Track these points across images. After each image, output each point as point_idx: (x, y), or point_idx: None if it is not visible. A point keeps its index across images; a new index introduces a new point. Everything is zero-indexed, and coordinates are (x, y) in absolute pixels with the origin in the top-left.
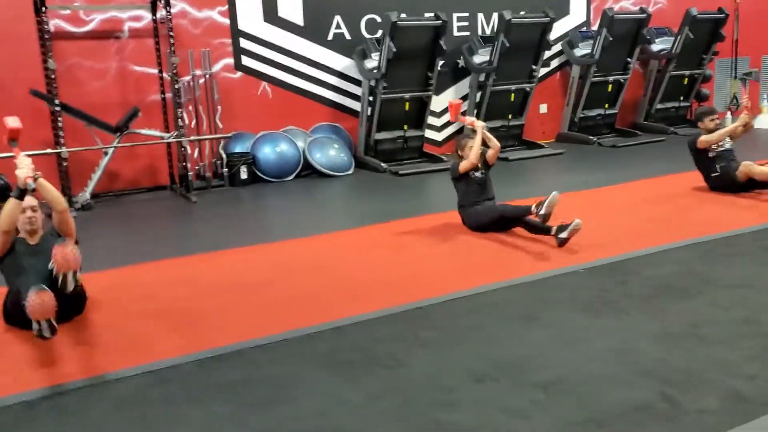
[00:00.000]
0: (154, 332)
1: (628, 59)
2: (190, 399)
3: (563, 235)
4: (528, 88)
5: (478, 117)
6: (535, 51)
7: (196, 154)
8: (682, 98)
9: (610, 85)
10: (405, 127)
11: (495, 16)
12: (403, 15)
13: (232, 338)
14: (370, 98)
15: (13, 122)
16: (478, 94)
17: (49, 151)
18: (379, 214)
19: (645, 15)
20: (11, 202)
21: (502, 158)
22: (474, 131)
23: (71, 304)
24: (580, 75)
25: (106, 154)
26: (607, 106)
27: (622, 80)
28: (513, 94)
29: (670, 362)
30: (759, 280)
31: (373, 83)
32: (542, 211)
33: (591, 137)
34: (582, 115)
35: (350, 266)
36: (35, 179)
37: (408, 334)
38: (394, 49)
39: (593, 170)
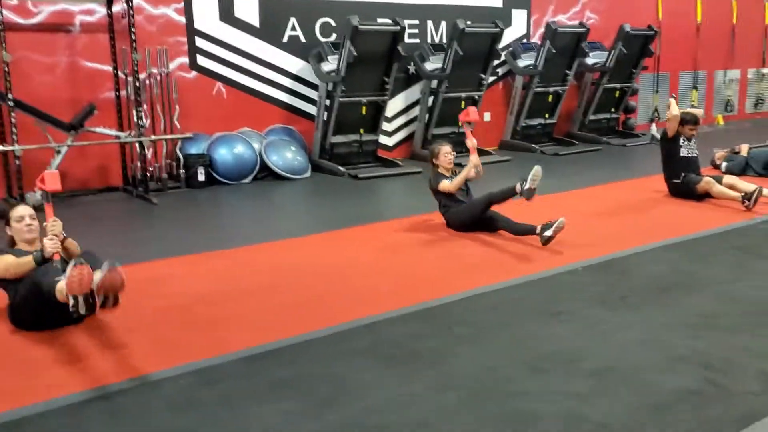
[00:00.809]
0: (176, 334)
1: (567, 71)
2: (252, 398)
3: (548, 233)
4: (477, 96)
5: (429, 124)
6: (485, 60)
7: (149, 155)
8: (613, 110)
9: (550, 96)
10: (361, 131)
11: (444, 24)
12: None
13: (257, 340)
14: (327, 101)
15: (52, 182)
16: (430, 100)
17: (1, 148)
18: (352, 216)
19: (584, 29)
20: (29, 264)
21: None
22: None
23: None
24: (523, 85)
25: (58, 152)
26: (547, 115)
27: (560, 91)
28: (463, 102)
29: (702, 350)
30: (746, 275)
31: (330, 86)
32: (527, 186)
33: (533, 145)
34: (524, 124)
35: (350, 268)
36: (62, 242)
37: (441, 330)
38: (355, 53)
39: (545, 177)
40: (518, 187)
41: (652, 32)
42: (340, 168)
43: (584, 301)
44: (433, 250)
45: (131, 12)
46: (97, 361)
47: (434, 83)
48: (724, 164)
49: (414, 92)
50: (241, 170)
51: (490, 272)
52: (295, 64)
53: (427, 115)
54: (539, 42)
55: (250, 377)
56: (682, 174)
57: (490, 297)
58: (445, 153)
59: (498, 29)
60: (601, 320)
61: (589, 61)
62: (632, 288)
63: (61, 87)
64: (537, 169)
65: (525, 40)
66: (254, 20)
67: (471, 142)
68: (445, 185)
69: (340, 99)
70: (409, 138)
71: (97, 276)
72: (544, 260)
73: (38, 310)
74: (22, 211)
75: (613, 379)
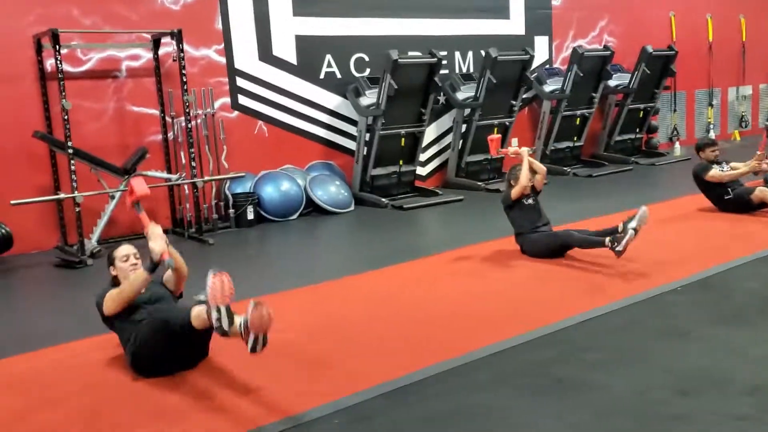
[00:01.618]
0: (302, 370)
1: (593, 94)
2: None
3: (619, 248)
4: (508, 123)
5: (463, 152)
6: (515, 87)
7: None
8: (637, 130)
9: (578, 119)
10: (401, 162)
11: (470, 54)
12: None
13: (388, 373)
14: (367, 135)
15: (140, 187)
16: (463, 128)
17: (63, 196)
18: (418, 246)
19: (609, 52)
20: (142, 277)
21: (494, 190)
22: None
23: (199, 348)
24: (551, 110)
25: (112, 198)
26: (575, 138)
27: (587, 114)
28: (496, 129)
29: None
30: None
31: (370, 120)
32: (619, 248)
33: (565, 168)
34: (552, 148)
35: (446, 297)
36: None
37: (570, 356)
38: (396, 86)
39: (589, 198)
40: (608, 243)
41: (673, 52)
42: (383, 200)
43: (702, 319)
44: (519, 274)
45: (182, 54)
46: (238, 403)
47: (467, 111)
48: None
49: (444, 122)
50: (288, 207)
51: (590, 295)
52: (332, 99)
53: (460, 143)
54: (561, 66)
55: (399, 413)
56: (730, 189)
57: (604, 320)
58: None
59: (528, 56)
60: (729, 338)
61: (612, 83)
62: (740, 305)
63: (109, 132)
64: (631, 234)
65: (548, 66)
66: (292, 58)
67: (511, 149)
68: (515, 190)
69: (381, 132)
70: (442, 167)
71: (240, 319)
72: (637, 281)
73: (164, 352)
74: (126, 250)
75: None
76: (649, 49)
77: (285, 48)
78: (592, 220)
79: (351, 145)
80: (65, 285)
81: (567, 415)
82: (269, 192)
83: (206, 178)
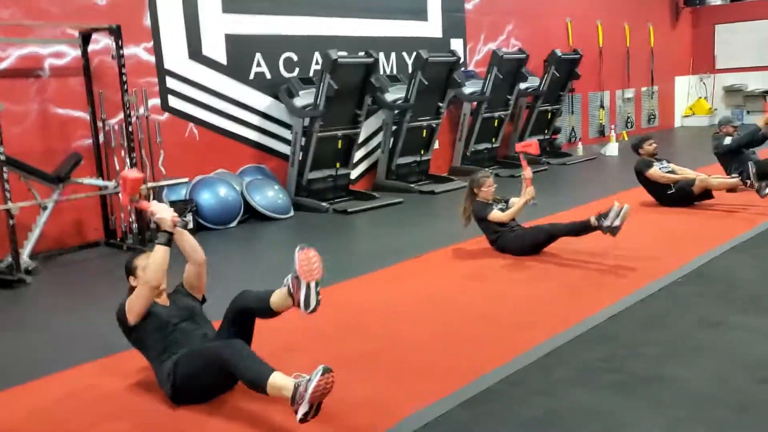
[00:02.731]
0: (350, 382)
1: (509, 96)
2: None
3: (608, 222)
4: (434, 125)
5: (393, 154)
6: (443, 89)
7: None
8: (545, 131)
9: (496, 121)
10: (337, 165)
11: (393, 56)
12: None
13: (451, 383)
14: (303, 137)
15: (132, 174)
16: (393, 130)
17: None
18: (389, 251)
19: (525, 56)
20: (160, 251)
21: (428, 192)
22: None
23: None
24: (471, 112)
25: (45, 208)
26: (493, 140)
27: (504, 116)
28: (424, 131)
29: None
30: None
31: (306, 121)
32: (607, 223)
33: (485, 169)
34: (473, 149)
35: (454, 303)
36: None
37: (628, 352)
38: (335, 86)
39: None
40: (593, 221)
41: (578, 56)
42: (324, 204)
43: (723, 309)
44: (518, 274)
45: (121, 52)
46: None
47: (395, 113)
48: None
49: (371, 124)
50: (226, 214)
51: (597, 291)
52: (262, 101)
53: (389, 146)
54: (475, 69)
55: (488, 422)
56: (672, 184)
57: (630, 314)
58: (489, 185)
59: (456, 58)
60: (763, 326)
61: (524, 85)
62: (748, 294)
63: (32, 137)
64: (627, 209)
65: (464, 68)
66: (222, 58)
67: (528, 173)
68: (497, 216)
69: (318, 134)
70: (370, 169)
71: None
72: (632, 275)
73: (217, 381)
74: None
75: None
76: (558, 52)
77: (215, 47)
78: (546, 218)
79: (282, 148)
80: (8, 308)
81: (663, 409)
82: (207, 198)
83: (150, 184)
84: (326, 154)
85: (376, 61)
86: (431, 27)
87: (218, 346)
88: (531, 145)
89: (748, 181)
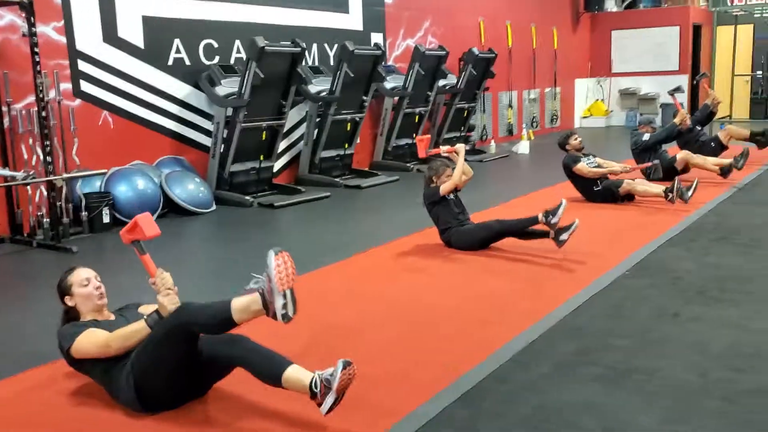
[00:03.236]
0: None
1: (429, 93)
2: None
3: (564, 237)
4: (358, 118)
5: (317, 147)
6: (367, 82)
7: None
8: (462, 128)
9: (417, 116)
10: (261, 157)
11: (315, 47)
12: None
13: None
14: (226, 128)
15: (150, 226)
16: (317, 123)
17: None
18: (327, 248)
19: (445, 52)
20: (141, 330)
21: (354, 186)
22: (448, 158)
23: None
24: (393, 107)
25: None
26: (414, 135)
27: (424, 112)
28: (349, 124)
29: None
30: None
31: (229, 111)
32: (554, 220)
33: (407, 164)
34: (394, 144)
35: (412, 298)
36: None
37: (600, 344)
38: (262, 75)
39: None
40: (542, 218)
41: (493, 55)
42: (247, 198)
43: (676, 300)
44: (469, 269)
45: (34, 30)
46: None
47: (321, 106)
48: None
49: (292, 115)
50: (145, 208)
51: (553, 285)
52: (181, 88)
53: (313, 139)
54: (394, 64)
55: (482, 420)
56: (599, 181)
57: (590, 307)
58: (448, 174)
59: (380, 52)
60: (720, 316)
61: (442, 82)
62: (696, 285)
63: None
64: (564, 204)
65: (383, 63)
66: (139, 41)
67: (444, 147)
68: (446, 186)
69: (243, 124)
70: (291, 162)
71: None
72: (580, 269)
73: (182, 378)
74: (85, 273)
75: None
76: (476, 51)
77: (131, 29)
78: (483, 213)
79: (202, 139)
80: None
81: (652, 400)
82: (123, 191)
83: (65, 175)
84: (250, 145)
85: (303, 50)
86: (352, 20)
87: (222, 339)
88: (422, 141)
89: (671, 194)
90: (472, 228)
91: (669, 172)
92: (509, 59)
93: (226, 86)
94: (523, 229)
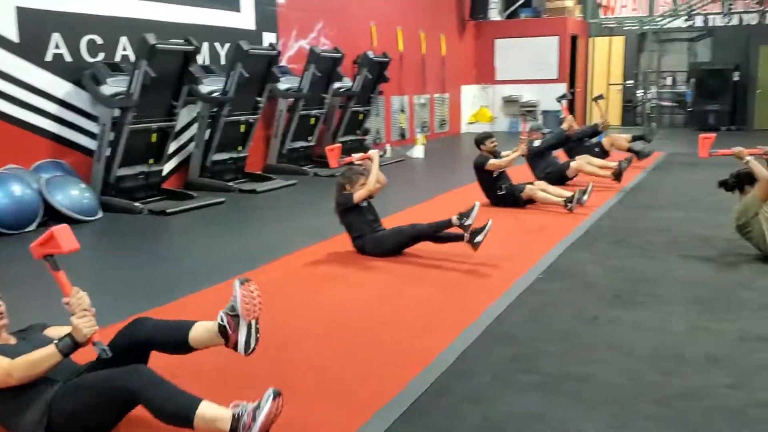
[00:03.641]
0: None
1: (324, 95)
2: None
3: (479, 238)
4: (252, 120)
5: (208, 150)
6: (261, 83)
7: None
8: (357, 132)
9: (313, 119)
10: (150, 161)
11: (206, 46)
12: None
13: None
14: (113, 129)
15: (67, 239)
16: (208, 124)
17: None
18: (227, 259)
19: (340, 55)
20: (51, 356)
21: (249, 191)
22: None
23: None
24: (288, 109)
25: None
26: (309, 138)
27: (319, 114)
28: (242, 126)
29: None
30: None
31: (116, 112)
32: (468, 222)
33: (303, 168)
34: (289, 147)
35: (333, 309)
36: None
37: (530, 350)
38: (153, 74)
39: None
40: (456, 221)
41: (388, 59)
42: (136, 204)
43: (592, 303)
44: (386, 278)
45: None
46: None
47: (214, 107)
48: None
49: (182, 117)
50: (23, 216)
51: (472, 290)
52: (61, 87)
53: (204, 141)
54: (287, 65)
55: None
56: (503, 185)
57: (512, 312)
58: (362, 183)
59: (276, 52)
60: (636, 318)
61: (338, 85)
62: (607, 288)
63: None
64: (478, 206)
65: (278, 64)
66: (12, 34)
67: (357, 155)
68: (360, 193)
69: (131, 126)
70: (181, 166)
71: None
72: (494, 274)
73: (109, 419)
74: None
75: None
76: (371, 54)
77: (4, 21)
78: (390, 218)
79: (84, 141)
80: None
81: (594, 406)
82: None
83: None
84: (138, 148)
85: (197, 48)
86: (244, 19)
87: (118, 375)
88: (333, 150)
89: (570, 204)
90: (386, 234)
91: (561, 178)
92: (400, 64)
93: (113, 85)
94: (437, 232)
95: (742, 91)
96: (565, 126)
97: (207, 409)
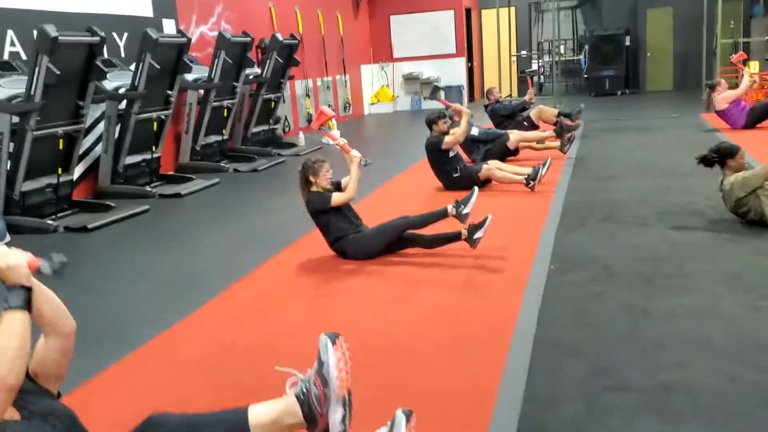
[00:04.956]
0: None
1: (235, 83)
2: None
3: (479, 234)
4: (164, 116)
5: (119, 153)
6: (171, 74)
7: None
8: (270, 121)
9: (225, 110)
10: (59, 170)
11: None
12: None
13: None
14: (12, 139)
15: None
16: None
17: None
18: (185, 282)
19: (250, 39)
20: (17, 321)
21: (172, 195)
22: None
23: None
24: (198, 101)
25: None
26: (224, 132)
27: (231, 105)
28: (155, 123)
29: None
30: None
31: (16, 118)
32: (466, 210)
33: (220, 164)
34: (203, 143)
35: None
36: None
37: (610, 362)
38: (57, 71)
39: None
40: (452, 210)
41: (297, 42)
42: (49, 222)
43: (629, 292)
44: (383, 285)
45: None
46: None
47: (122, 104)
48: None
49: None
50: None
51: (499, 292)
52: None
53: (114, 143)
54: (191, 53)
55: None
56: (458, 167)
57: (550, 314)
58: (327, 170)
59: (186, 39)
60: (686, 305)
61: (249, 71)
62: (629, 272)
63: None
64: (477, 191)
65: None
66: None
67: (339, 141)
68: (340, 198)
69: (34, 132)
70: (89, 173)
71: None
72: (507, 269)
73: None
74: None
75: None
76: (280, 37)
77: None
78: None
79: None
80: None
81: (719, 424)
82: None
83: None
84: (44, 157)
85: (103, 40)
86: (140, 5)
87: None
88: (322, 115)
89: (532, 182)
90: (372, 233)
91: (504, 153)
92: (302, 46)
93: (7, 87)
94: (430, 224)
95: (633, 56)
96: (527, 97)
97: (259, 414)
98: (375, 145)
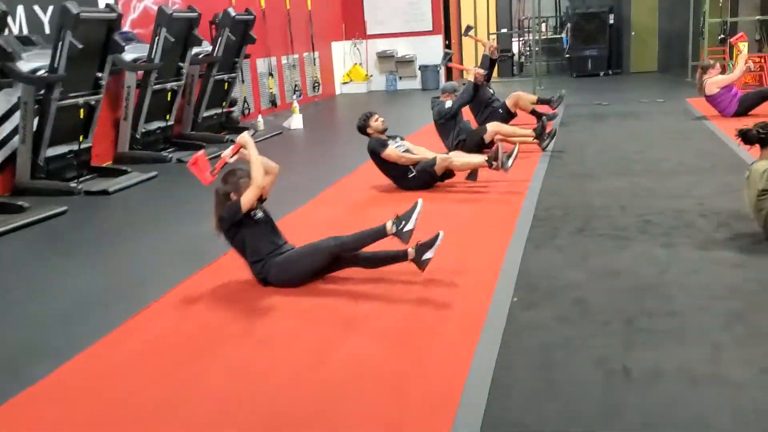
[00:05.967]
0: None
1: (181, 64)
2: None
3: (428, 255)
4: (94, 102)
5: (39, 144)
6: (101, 54)
7: None
8: (223, 104)
9: (169, 93)
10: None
11: (21, 10)
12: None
13: None
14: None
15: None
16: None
17: None
18: (91, 305)
19: (197, 14)
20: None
21: (99, 192)
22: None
23: None
24: (137, 83)
25: None
26: (168, 117)
27: (177, 87)
28: (81, 110)
29: None
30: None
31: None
32: (408, 227)
33: (163, 154)
34: (144, 130)
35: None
36: None
37: None
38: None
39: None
40: (391, 227)
41: (252, 17)
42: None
43: (606, 339)
44: (311, 324)
45: None
46: None
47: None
48: None
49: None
50: None
51: (452, 332)
52: None
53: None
54: (131, 30)
55: None
56: (412, 166)
57: (507, 384)
58: (247, 185)
59: (116, 14)
60: (680, 363)
61: (196, 50)
62: (607, 308)
63: None
64: (420, 204)
65: (119, 29)
66: None
67: (227, 152)
68: (248, 196)
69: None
70: (5, 166)
71: None
72: (464, 300)
73: None
74: None
75: None
76: (232, 12)
77: None
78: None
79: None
80: None
81: None
82: None
83: None
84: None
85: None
86: None
87: None
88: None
89: (494, 163)
90: (295, 255)
91: (477, 146)
92: (263, 22)
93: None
94: (366, 246)
95: (617, 35)
96: (486, 51)
97: None
98: (346, 128)
